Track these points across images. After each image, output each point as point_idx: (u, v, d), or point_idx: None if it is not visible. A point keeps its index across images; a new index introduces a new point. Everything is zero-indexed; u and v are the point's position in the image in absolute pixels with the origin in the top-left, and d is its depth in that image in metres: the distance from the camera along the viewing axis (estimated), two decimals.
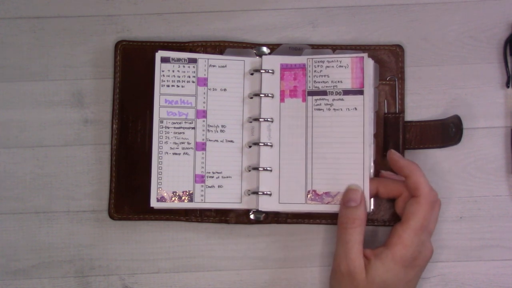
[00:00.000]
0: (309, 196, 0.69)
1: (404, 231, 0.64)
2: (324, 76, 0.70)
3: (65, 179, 0.72)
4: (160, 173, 0.70)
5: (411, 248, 0.63)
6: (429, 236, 0.65)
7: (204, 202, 0.70)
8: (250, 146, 0.71)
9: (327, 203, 0.69)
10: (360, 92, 0.69)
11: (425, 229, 0.64)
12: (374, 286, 0.63)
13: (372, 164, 0.69)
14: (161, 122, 0.70)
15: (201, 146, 0.71)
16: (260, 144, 0.70)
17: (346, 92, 0.70)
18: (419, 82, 0.73)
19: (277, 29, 0.74)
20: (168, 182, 0.70)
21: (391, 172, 0.69)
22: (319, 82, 0.70)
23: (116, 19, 0.74)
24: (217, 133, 0.71)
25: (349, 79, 0.70)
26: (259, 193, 0.69)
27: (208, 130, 0.71)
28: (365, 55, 0.69)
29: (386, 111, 0.72)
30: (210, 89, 0.71)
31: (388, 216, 0.71)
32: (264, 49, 0.73)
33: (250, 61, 0.71)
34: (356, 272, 0.63)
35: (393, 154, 0.68)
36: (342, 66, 0.70)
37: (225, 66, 0.71)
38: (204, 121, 0.71)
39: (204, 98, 0.71)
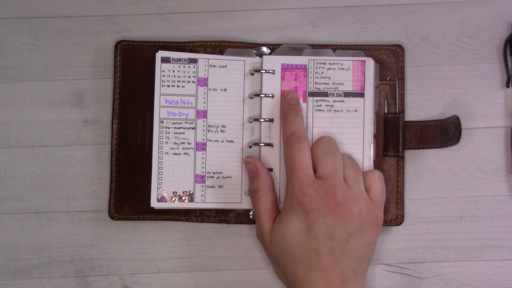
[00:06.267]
0: None
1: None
2: (325, 78, 0.70)
3: (65, 179, 0.72)
4: (160, 173, 0.70)
5: (289, 193, 0.65)
6: (294, 180, 0.65)
7: (204, 202, 0.70)
8: (250, 146, 0.70)
9: None
10: (360, 94, 0.70)
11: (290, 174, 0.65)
12: (276, 242, 0.65)
13: (372, 164, 0.69)
14: (161, 122, 0.70)
15: (201, 146, 0.71)
16: (260, 144, 0.70)
17: (347, 94, 0.70)
18: (419, 82, 0.73)
19: (277, 29, 0.74)
20: (169, 182, 0.70)
21: None
22: (320, 83, 0.70)
23: (116, 19, 0.74)
24: (218, 133, 0.71)
25: (350, 82, 0.70)
26: None
27: (208, 130, 0.71)
28: (367, 58, 0.70)
29: (386, 111, 0.72)
30: (210, 89, 0.71)
31: (390, 216, 0.71)
32: (264, 49, 0.73)
33: (250, 61, 0.71)
34: (264, 237, 0.66)
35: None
36: (343, 69, 0.70)
37: (226, 66, 0.71)
38: (204, 121, 0.71)
39: (205, 98, 0.71)
